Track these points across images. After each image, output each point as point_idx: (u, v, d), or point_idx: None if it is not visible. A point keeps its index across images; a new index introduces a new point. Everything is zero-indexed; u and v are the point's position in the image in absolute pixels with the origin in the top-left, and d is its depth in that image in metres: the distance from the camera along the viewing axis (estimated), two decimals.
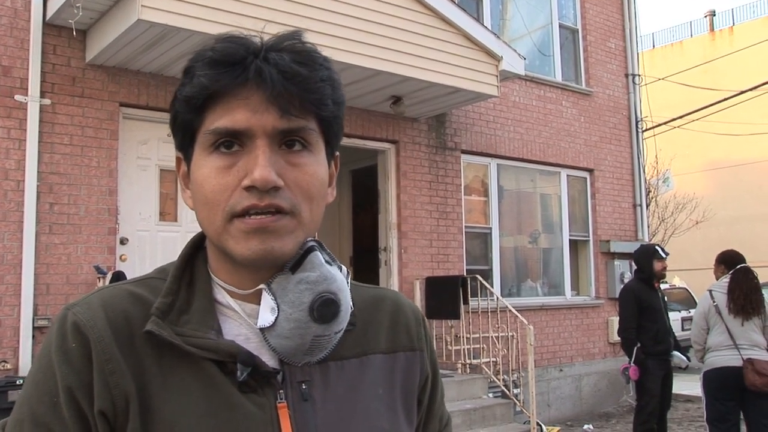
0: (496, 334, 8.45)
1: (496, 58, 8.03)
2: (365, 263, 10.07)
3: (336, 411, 1.02)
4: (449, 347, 8.52)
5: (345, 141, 8.51)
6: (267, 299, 0.99)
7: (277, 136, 0.97)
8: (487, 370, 8.23)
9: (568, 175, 10.93)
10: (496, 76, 8.09)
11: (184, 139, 1.02)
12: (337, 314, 0.99)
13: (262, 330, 0.98)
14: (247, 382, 0.96)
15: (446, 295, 8.43)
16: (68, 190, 6.46)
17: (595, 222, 11.13)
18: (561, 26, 11.18)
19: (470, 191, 9.86)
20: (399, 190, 8.96)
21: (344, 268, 1.07)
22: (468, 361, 8.36)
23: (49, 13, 6.37)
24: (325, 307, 0.98)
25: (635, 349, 6.53)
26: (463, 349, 8.42)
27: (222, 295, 1.04)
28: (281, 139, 0.97)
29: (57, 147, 6.44)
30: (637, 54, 12.24)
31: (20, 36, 6.40)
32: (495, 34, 8.25)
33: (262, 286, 1.00)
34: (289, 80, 0.95)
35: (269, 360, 1.00)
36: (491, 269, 9.83)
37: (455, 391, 7.80)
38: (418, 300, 8.75)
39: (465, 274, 9.09)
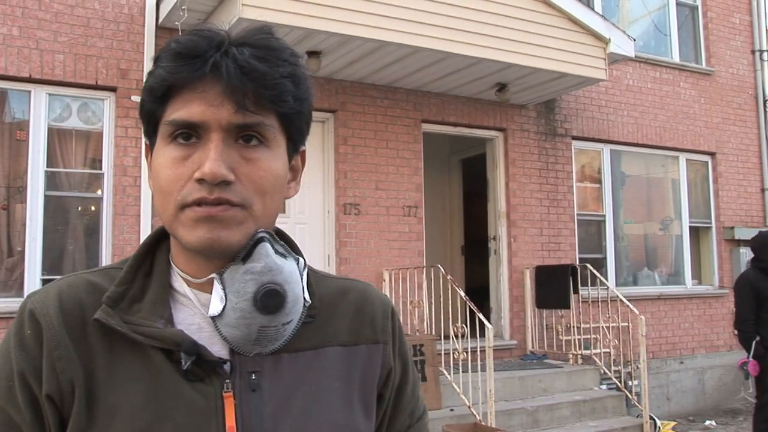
0: (608, 325, 8.22)
1: (603, 41, 7.77)
2: (476, 252, 10.02)
3: (286, 402, 1.02)
4: (560, 337, 8.36)
5: (452, 130, 8.54)
6: (217, 288, 0.99)
7: (233, 130, 0.98)
8: (598, 361, 8.01)
9: (687, 159, 10.46)
10: (604, 59, 7.84)
11: (149, 128, 1.05)
12: (281, 305, 0.98)
13: (213, 318, 0.99)
14: (193, 371, 0.98)
15: (555, 284, 8.27)
16: None
17: (718, 208, 10.60)
18: (678, 4, 10.66)
19: (582, 178, 9.63)
20: (508, 178, 8.86)
21: (302, 260, 1.06)
22: (579, 352, 8.17)
23: (161, 17, 6.69)
24: (268, 298, 0.97)
25: (754, 342, 6.19)
26: (574, 339, 8.24)
27: (180, 284, 1.06)
28: (237, 133, 0.98)
29: None
30: (765, 28, 11.53)
31: (136, 40, 6.76)
32: (602, 16, 7.99)
33: (213, 275, 1.00)
34: (245, 75, 0.96)
35: (221, 350, 1.01)
36: (605, 258, 9.56)
37: (564, 382, 7.65)
38: (528, 289, 8.63)
39: (577, 262, 8.88)
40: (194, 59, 0.96)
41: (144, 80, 1.04)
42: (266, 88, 0.97)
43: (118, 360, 0.98)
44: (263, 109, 0.99)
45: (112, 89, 6.67)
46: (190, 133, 0.98)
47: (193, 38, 0.98)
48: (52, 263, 6.47)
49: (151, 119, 1.03)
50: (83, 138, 6.72)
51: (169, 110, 0.99)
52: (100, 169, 6.67)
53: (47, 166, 6.46)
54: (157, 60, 1.01)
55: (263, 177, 1.00)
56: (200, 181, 0.96)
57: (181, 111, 0.98)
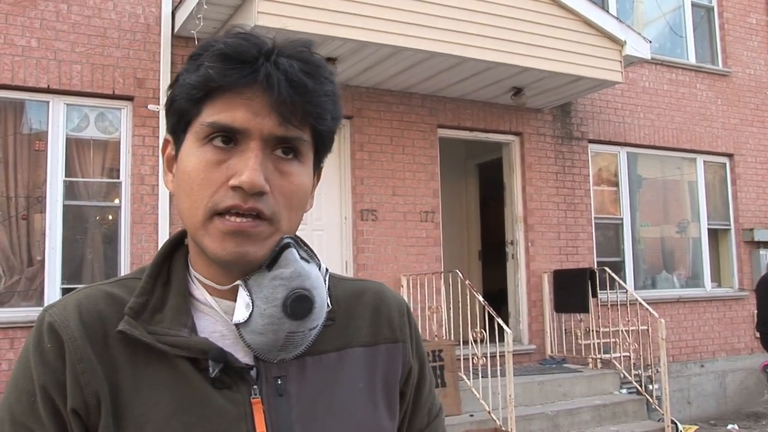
0: (627, 328, 8.16)
1: (618, 43, 7.74)
2: (494, 257, 9.99)
3: (312, 405, 1.02)
4: (579, 341, 8.32)
5: (468, 135, 8.53)
6: (242, 295, 0.98)
7: (272, 141, 0.97)
8: (618, 365, 7.96)
9: (704, 161, 10.40)
10: (620, 61, 7.81)
11: (178, 125, 1.02)
12: (310, 310, 0.98)
13: (237, 326, 0.98)
14: (220, 379, 0.97)
15: (574, 288, 8.23)
16: None
17: (737, 209, 10.52)
18: (694, 4, 10.63)
19: (599, 181, 9.58)
20: (524, 182, 8.84)
21: (323, 265, 1.06)
22: (599, 356, 8.12)
23: (177, 26, 6.72)
24: (298, 303, 0.97)
25: None
26: (593, 343, 8.20)
27: (200, 292, 1.05)
28: (275, 145, 0.98)
29: None
30: None
31: (152, 49, 6.80)
32: (617, 18, 7.96)
33: (238, 282, 0.99)
34: (294, 89, 0.96)
35: (244, 357, 1.00)
36: (623, 261, 9.51)
37: (585, 387, 7.61)
38: (546, 293, 8.60)
39: (595, 266, 8.84)
40: (244, 64, 0.95)
41: (171, 80, 1.01)
42: (312, 104, 0.98)
43: (143, 371, 0.97)
44: (304, 125, 0.99)
45: (129, 98, 6.71)
46: (228, 138, 0.97)
47: (242, 42, 0.97)
48: (71, 272, 6.51)
49: (183, 116, 1.01)
50: (101, 147, 6.76)
51: (207, 111, 0.97)
52: (118, 178, 6.71)
53: (66, 176, 6.51)
54: (198, 57, 0.99)
55: (294, 192, 1.00)
56: (236, 188, 0.95)
57: (223, 114, 0.96)
